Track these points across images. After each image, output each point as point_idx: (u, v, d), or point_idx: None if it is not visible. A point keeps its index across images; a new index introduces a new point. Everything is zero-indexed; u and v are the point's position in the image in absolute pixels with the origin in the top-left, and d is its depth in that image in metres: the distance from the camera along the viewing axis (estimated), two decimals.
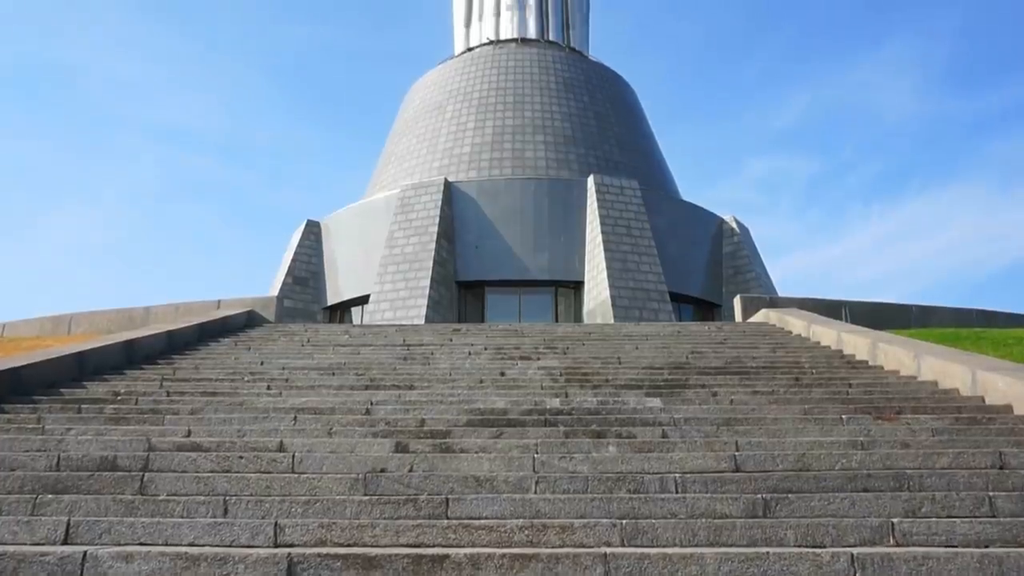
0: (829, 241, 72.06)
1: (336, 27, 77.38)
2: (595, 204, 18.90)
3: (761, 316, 12.71)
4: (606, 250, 18.10)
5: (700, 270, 20.44)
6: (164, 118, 67.72)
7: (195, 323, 10.53)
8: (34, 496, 4.19)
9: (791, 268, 64.83)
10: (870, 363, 8.30)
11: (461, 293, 18.89)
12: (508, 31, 24.09)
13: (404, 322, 15.86)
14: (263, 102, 75.88)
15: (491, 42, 24.10)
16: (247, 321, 12.07)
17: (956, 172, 71.36)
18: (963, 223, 67.76)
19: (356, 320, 19.28)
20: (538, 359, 8.64)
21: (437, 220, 18.66)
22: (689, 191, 23.81)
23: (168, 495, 4.30)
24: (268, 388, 7.27)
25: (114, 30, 67.66)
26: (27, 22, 65.16)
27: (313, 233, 21.30)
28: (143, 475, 4.48)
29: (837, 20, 74.17)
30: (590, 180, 19.33)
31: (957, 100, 72.92)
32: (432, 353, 9.03)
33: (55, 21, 66.50)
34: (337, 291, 20.23)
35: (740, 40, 77.30)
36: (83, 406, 6.42)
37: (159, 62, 68.80)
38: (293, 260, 20.71)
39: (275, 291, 19.95)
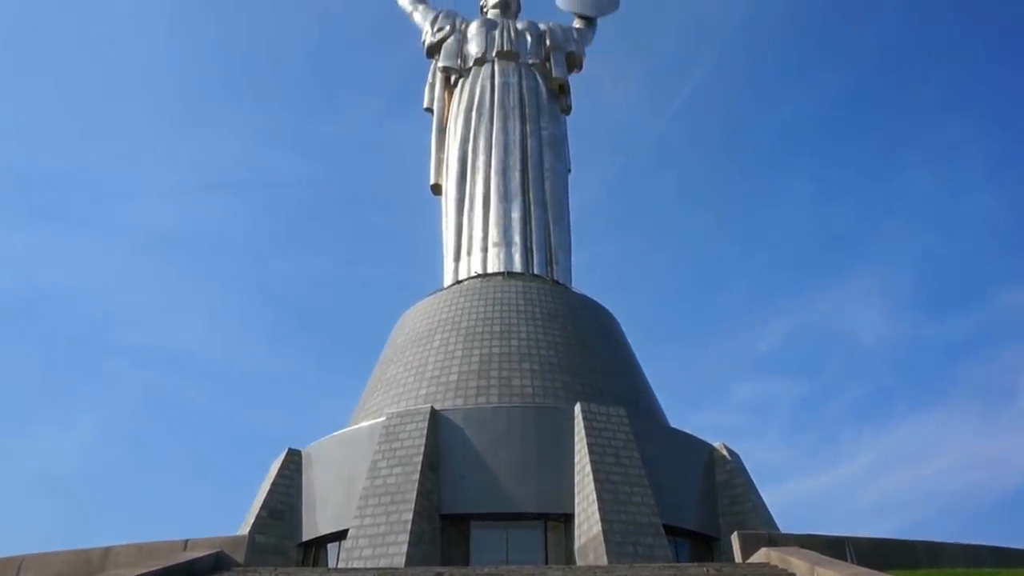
0: (823, 467, 70.82)
1: (329, 258, 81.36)
2: (583, 432, 18.64)
3: (762, 555, 12.04)
4: (595, 480, 17.55)
5: (694, 501, 19.73)
6: (150, 342, 68.72)
7: (158, 567, 9.80)
8: None
9: (787, 495, 63.00)
10: None
11: (445, 528, 17.95)
12: (495, 265, 25.29)
13: (383, 561, 14.87)
14: (252, 328, 77.52)
15: (479, 275, 25.18)
16: (215, 564, 11.27)
17: (938, 396, 72.23)
18: (955, 447, 67.25)
19: (332, 559, 18.10)
20: None
21: (422, 449, 18.23)
22: (677, 417, 23.75)
23: None
24: None
25: (115, 261, 70.79)
26: (32, 256, 68.20)
27: (293, 462, 20.67)
28: None
29: (805, 252, 79.12)
30: (577, 408, 19.24)
31: (926, 326, 75.76)
32: None
33: (57, 253, 69.70)
34: (314, 526, 19.20)
35: (718, 270, 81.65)
36: None
37: (152, 289, 71.23)
38: (270, 491, 19.88)
39: (248, 525, 18.92)
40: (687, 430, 21.60)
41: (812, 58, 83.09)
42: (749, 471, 21.49)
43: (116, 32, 76.17)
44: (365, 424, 20.49)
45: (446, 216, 27.28)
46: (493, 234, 25.75)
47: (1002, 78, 77.76)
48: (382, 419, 19.73)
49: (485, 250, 25.67)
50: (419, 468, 17.86)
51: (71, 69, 76.79)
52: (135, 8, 76.10)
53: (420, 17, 30.73)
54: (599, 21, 31.90)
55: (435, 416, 19.14)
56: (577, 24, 31.25)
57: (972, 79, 77.61)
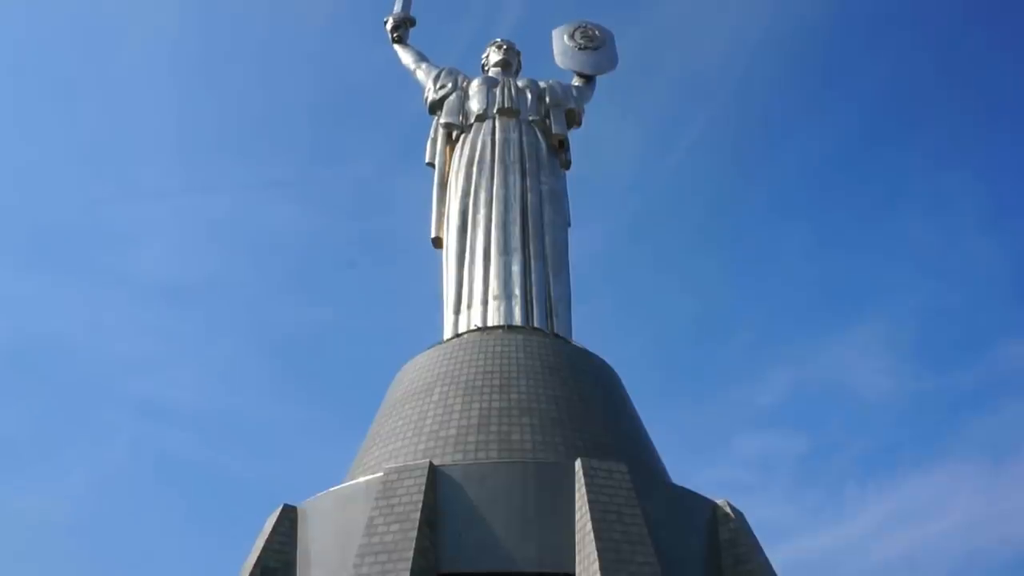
0: (829, 524, 69.62)
1: (327, 310, 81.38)
2: (584, 489, 18.35)
3: None
4: (597, 539, 17.21)
5: (698, 561, 19.32)
6: (146, 393, 68.26)
7: None
8: None
9: (792, 554, 61.64)
10: None
11: None
12: (495, 318, 25.29)
13: None
14: (249, 379, 77.12)
15: (479, 328, 25.16)
16: None
17: (944, 451, 71.43)
18: (963, 504, 66.19)
19: None
20: None
21: (420, 506, 17.94)
22: (679, 473, 23.37)
23: None
24: None
25: (112, 310, 70.81)
26: (28, 304, 68.24)
27: (288, 518, 20.31)
28: None
29: (805, 304, 79.21)
30: (578, 463, 18.98)
31: (929, 378, 75.38)
32: None
33: (53, 301, 69.76)
34: None
35: (718, 323, 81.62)
36: None
37: (149, 339, 71.03)
38: (264, 548, 19.46)
39: None
40: (689, 486, 21.26)
41: (812, 108, 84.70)
42: (753, 528, 21.11)
43: (120, 79, 77.77)
44: (362, 479, 20.19)
45: (446, 269, 27.40)
46: (493, 287, 25.82)
47: (997, 131, 79.23)
48: (380, 474, 19.44)
49: (485, 303, 25.69)
50: (417, 525, 17.54)
51: (74, 116, 78.21)
52: (136, 58, 77.84)
53: (423, 75, 31.40)
54: (598, 79, 32.57)
55: (434, 471, 18.87)
56: (576, 82, 31.92)
57: (968, 132, 79.06)
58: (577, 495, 18.49)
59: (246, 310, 79.88)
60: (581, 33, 32.55)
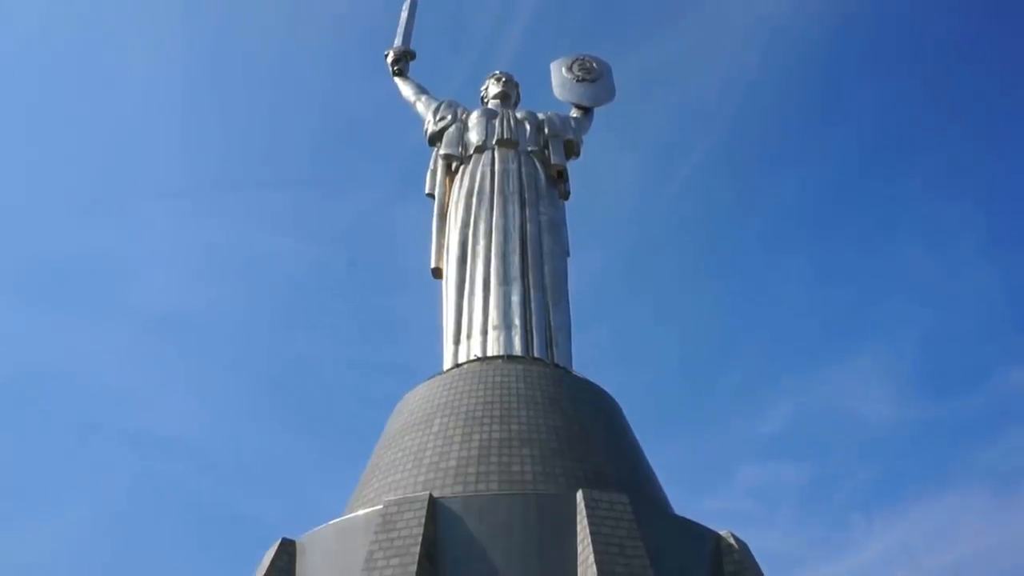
0: (834, 555, 68.60)
1: (327, 341, 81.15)
2: (585, 521, 18.15)
3: None
4: (599, 572, 17.00)
5: None
6: (144, 426, 67.83)
7: None
8: None
9: None
10: None
11: None
12: (495, 348, 25.22)
13: None
14: (247, 412, 76.68)
15: (478, 359, 25.09)
16: None
17: (950, 479, 70.81)
18: (971, 534, 65.43)
19: None
20: None
21: (420, 539, 17.74)
22: (681, 503, 23.13)
23: None
24: None
25: (110, 343, 70.65)
26: (24, 337, 68.11)
27: (287, 553, 20.07)
28: None
29: (806, 333, 79.07)
30: (579, 495, 18.80)
31: (931, 407, 75.01)
32: None
33: (50, 334, 69.64)
34: None
35: (719, 351, 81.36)
36: None
37: (147, 372, 70.81)
38: None
39: None
40: (692, 517, 21.05)
41: (810, 138, 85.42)
42: (758, 560, 20.83)
43: (120, 108, 78.55)
44: (361, 512, 19.99)
45: (446, 299, 27.42)
46: (493, 317, 25.80)
47: (993, 158, 79.83)
48: (379, 507, 19.25)
49: (485, 333, 25.65)
50: (417, 559, 17.33)
51: (70, 146, 78.81)
52: (138, 86, 78.66)
53: (423, 107, 31.75)
54: (596, 110, 32.92)
55: (433, 504, 18.69)
56: (574, 113, 32.26)
57: (965, 160, 79.61)
58: (579, 527, 18.29)
59: (243, 340, 79.70)
60: (579, 66, 32.99)
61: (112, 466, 68.42)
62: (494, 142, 29.39)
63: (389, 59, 33.70)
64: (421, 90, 32.48)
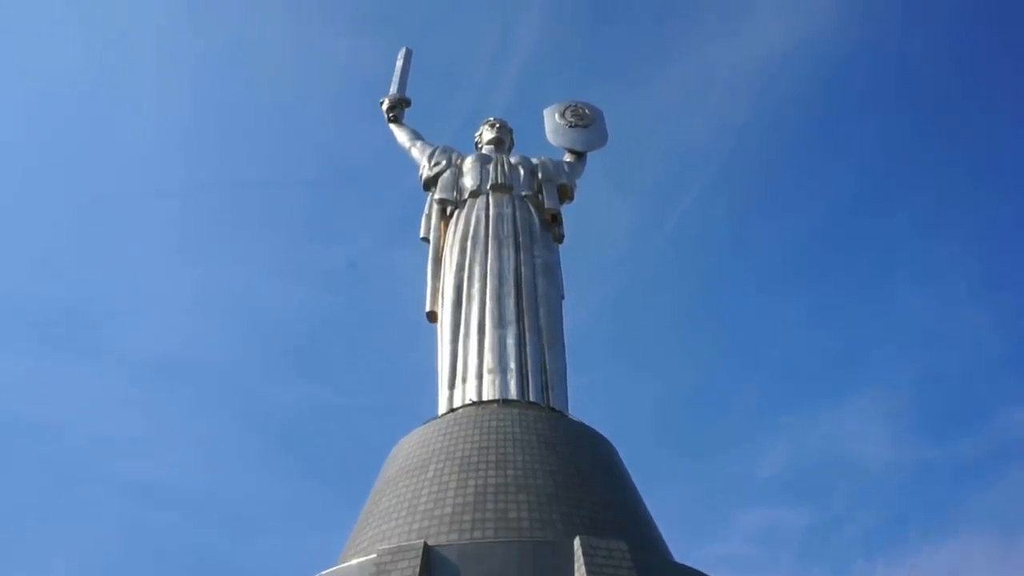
0: None
1: (320, 386, 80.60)
2: (583, 568, 17.81)
3: None
4: None
5: None
6: (134, 473, 66.81)
7: None
8: None
9: None
10: None
11: None
12: (490, 392, 25.06)
13: None
14: (240, 458, 75.71)
15: (474, 403, 24.91)
16: None
17: (953, 522, 69.97)
18: None
19: None
20: None
21: None
22: (680, 550, 22.78)
23: None
24: None
25: (102, 388, 70.00)
26: (16, 382, 67.51)
27: None
28: None
29: (802, 375, 78.88)
30: (576, 542, 18.48)
31: (930, 448, 74.53)
32: None
33: (42, 380, 69.03)
34: None
35: (715, 395, 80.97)
36: None
37: (139, 418, 70.05)
38: None
39: None
40: (691, 563, 20.69)
41: (801, 181, 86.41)
42: None
43: (117, 159, 79.13)
44: (355, 561, 19.60)
45: (441, 343, 27.33)
46: (488, 361, 25.68)
47: (985, 199, 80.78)
48: (373, 556, 18.89)
49: (480, 377, 25.51)
50: None
51: (65, 191, 79.22)
52: (137, 129, 79.39)
53: (418, 153, 32.12)
54: (589, 155, 33.34)
55: (428, 552, 18.34)
56: (568, 158, 32.68)
57: (956, 201, 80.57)
58: (576, 574, 17.95)
59: (236, 387, 79.17)
60: (571, 112, 33.56)
61: (101, 515, 67.24)
62: (488, 187, 29.67)
63: (384, 106, 34.23)
64: (416, 136, 32.91)
